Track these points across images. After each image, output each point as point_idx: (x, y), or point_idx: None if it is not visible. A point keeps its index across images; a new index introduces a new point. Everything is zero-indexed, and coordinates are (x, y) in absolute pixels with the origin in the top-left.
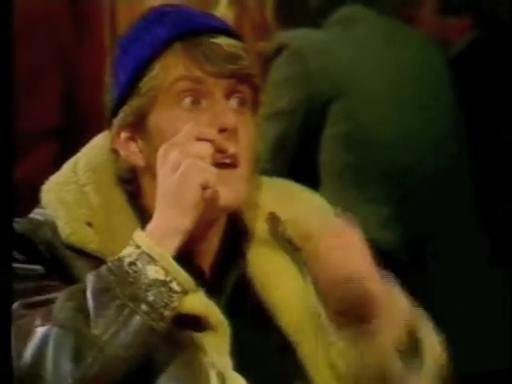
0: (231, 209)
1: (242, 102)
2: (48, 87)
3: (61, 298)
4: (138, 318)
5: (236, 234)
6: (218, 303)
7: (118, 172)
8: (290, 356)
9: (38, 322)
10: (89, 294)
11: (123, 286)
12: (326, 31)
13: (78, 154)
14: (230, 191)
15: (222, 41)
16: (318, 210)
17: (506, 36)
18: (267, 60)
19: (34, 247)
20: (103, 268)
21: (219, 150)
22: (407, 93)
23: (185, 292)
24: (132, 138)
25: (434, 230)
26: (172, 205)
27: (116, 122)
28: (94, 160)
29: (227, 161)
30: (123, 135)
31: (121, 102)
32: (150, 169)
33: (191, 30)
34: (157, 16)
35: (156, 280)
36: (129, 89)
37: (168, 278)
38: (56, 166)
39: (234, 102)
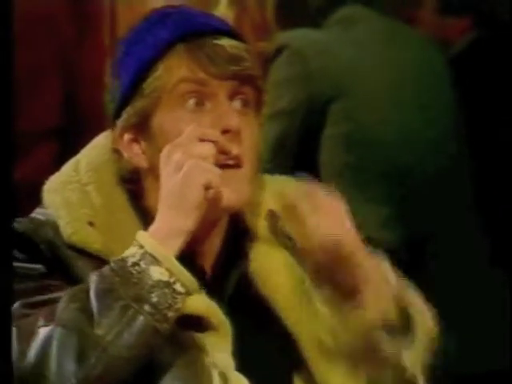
0: (234, 209)
1: (245, 104)
2: (48, 87)
3: (64, 299)
4: (141, 318)
5: (238, 234)
6: (219, 303)
7: (120, 172)
8: (292, 355)
9: (40, 322)
10: (92, 295)
11: (127, 286)
12: (326, 31)
13: (80, 154)
14: (233, 192)
15: (225, 42)
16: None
17: (506, 36)
18: (267, 60)
19: (36, 247)
20: (106, 268)
21: (223, 151)
22: (407, 93)
23: (188, 293)
24: (135, 140)
25: (434, 229)
26: (175, 205)
27: (119, 123)
28: (96, 160)
29: (231, 162)
30: (126, 137)
31: (124, 103)
32: (154, 170)
33: (194, 32)
34: (159, 17)
35: (160, 281)
36: (132, 90)
37: (172, 280)
38: (56, 166)
39: (237, 104)
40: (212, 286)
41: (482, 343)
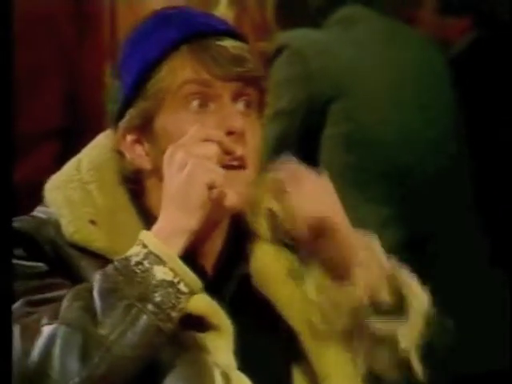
0: (237, 210)
1: (248, 105)
2: (48, 87)
3: (67, 297)
4: (145, 317)
5: (239, 234)
6: (220, 303)
7: (122, 172)
8: (293, 352)
9: (44, 320)
10: (96, 294)
11: (131, 285)
12: (326, 31)
13: (81, 153)
14: (236, 193)
15: (229, 43)
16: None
17: (506, 36)
18: (267, 60)
19: (38, 246)
20: (110, 267)
21: (227, 152)
22: (407, 93)
23: (192, 293)
24: (138, 141)
25: (434, 229)
26: (178, 205)
27: (122, 124)
28: (97, 159)
29: (235, 163)
30: (129, 138)
31: (126, 104)
32: (157, 171)
33: (198, 33)
34: (162, 18)
35: (163, 281)
36: (135, 91)
37: (176, 279)
38: (57, 166)
39: (240, 105)
40: (213, 285)
41: (482, 343)
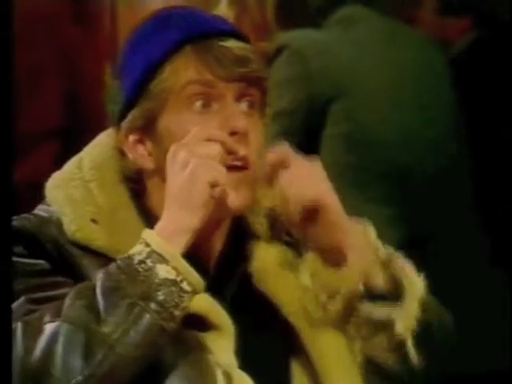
0: (240, 212)
1: (251, 105)
2: (49, 87)
3: (70, 295)
4: (148, 316)
5: (240, 233)
6: (221, 303)
7: (124, 171)
8: (295, 350)
9: (47, 318)
10: (98, 292)
11: (133, 284)
12: (326, 31)
13: (82, 152)
14: (240, 194)
15: (232, 44)
16: None
17: (506, 36)
18: (268, 60)
19: (40, 244)
20: (112, 266)
21: (229, 152)
22: (407, 93)
23: (195, 292)
24: (140, 141)
25: (434, 229)
26: (181, 204)
27: (124, 124)
28: (98, 158)
29: (238, 163)
30: (131, 138)
31: (129, 104)
32: (160, 171)
33: (201, 33)
34: (164, 18)
35: (166, 279)
36: (137, 91)
37: (179, 278)
38: (57, 166)
39: (244, 105)
40: (214, 285)
41: (482, 343)
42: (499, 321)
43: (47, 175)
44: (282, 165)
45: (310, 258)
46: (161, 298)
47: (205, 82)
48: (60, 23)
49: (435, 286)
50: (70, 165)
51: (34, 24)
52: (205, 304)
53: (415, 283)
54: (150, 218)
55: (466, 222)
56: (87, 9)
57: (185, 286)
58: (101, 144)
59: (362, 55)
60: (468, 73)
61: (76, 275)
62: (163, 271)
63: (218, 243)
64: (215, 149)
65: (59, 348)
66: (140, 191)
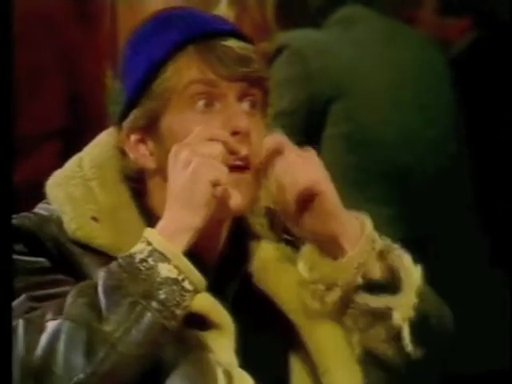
0: (241, 211)
1: (253, 105)
2: (50, 88)
3: (72, 294)
4: (149, 315)
5: (240, 232)
6: (222, 302)
7: (125, 170)
8: (295, 348)
9: (48, 315)
10: (100, 291)
11: (135, 283)
12: (326, 31)
13: (83, 152)
14: (241, 194)
15: (234, 44)
16: None
17: (506, 36)
18: (268, 60)
19: (40, 242)
20: (114, 264)
21: (232, 152)
22: (407, 93)
23: (197, 291)
24: (142, 141)
25: (434, 229)
26: (183, 203)
27: (126, 124)
28: (99, 157)
29: (239, 163)
30: (133, 137)
31: (131, 104)
32: (162, 171)
33: (204, 33)
34: (166, 19)
35: (168, 278)
36: (139, 91)
37: (180, 277)
38: (59, 166)
39: (245, 105)
40: (215, 284)
41: (482, 343)
42: (499, 321)
43: (48, 175)
44: (277, 152)
45: (308, 250)
46: (162, 296)
47: (207, 82)
48: (60, 23)
49: (435, 286)
50: (71, 163)
51: (34, 24)
52: (206, 303)
53: (412, 274)
54: (150, 218)
55: (466, 221)
56: (87, 9)
57: (186, 284)
58: (102, 143)
59: (362, 55)
60: (468, 73)
61: (77, 274)
62: (165, 270)
63: (219, 243)
64: (217, 148)
65: (61, 346)
66: (141, 191)
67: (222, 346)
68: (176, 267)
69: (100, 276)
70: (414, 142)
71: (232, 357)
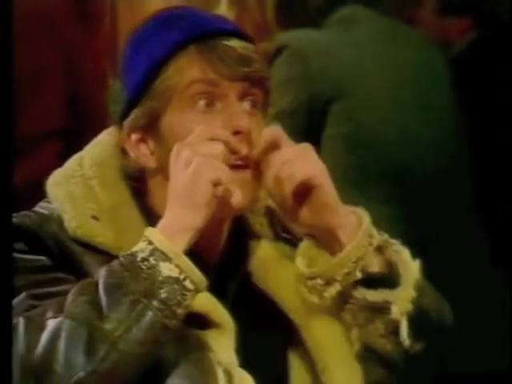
0: (242, 210)
1: (254, 105)
2: (50, 88)
3: (72, 292)
4: (150, 314)
5: (240, 231)
6: (222, 301)
7: (125, 169)
8: (294, 347)
9: (49, 314)
10: (101, 289)
11: (136, 281)
12: (326, 31)
13: (83, 151)
14: (242, 193)
15: (235, 43)
16: None
17: (506, 36)
18: (268, 60)
19: (41, 241)
20: (115, 263)
21: (233, 152)
22: (407, 93)
23: (198, 290)
24: (143, 140)
25: (434, 229)
26: (184, 202)
27: (126, 123)
28: (99, 156)
29: (240, 162)
30: (134, 136)
31: (132, 103)
32: (162, 170)
33: (205, 33)
34: (168, 18)
35: (169, 277)
36: (140, 90)
37: (182, 276)
38: (60, 166)
39: (246, 105)
40: (216, 283)
41: (482, 343)
42: (499, 321)
43: (49, 175)
44: (274, 145)
45: (306, 246)
46: (163, 295)
47: (209, 81)
48: (60, 23)
49: (435, 286)
50: (71, 162)
51: (34, 24)
52: (206, 302)
53: (410, 267)
54: (151, 217)
55: (466, 222)
56: (87, 9)
57: (187, 284)
58: (102, 142)
59: (362, 55)
60: (468, 73)
61: (78, 272)
62: (166, 269)
63: (220, 242)
64: (218, 148)
65: (61, 344)
66: (141, 190)
67: (223, 345)
68: (177, 266)
69: (101, 274)
70: (414, 142)
71: (232, 356)
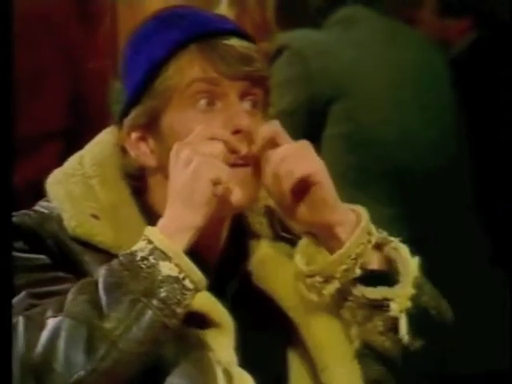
0: (242, 209)
1: (254, 104)
2: (51, 88)
3: (72, 291)
4: (150, 313)
5: (240, 231)
6: (222, 300)
7: (125, 168)
8: (294, 346)
9: (49, 313)
10: (101, 288)
11: (136, 280)
12: (326, 32)
13: (83, 150)
14: (242, 190)
15: (236, 43)
16: None
17: (506, 36)
18: (268, 61)
19: (40, 240)
20: (115, 262)
21: (232, 151)
22: (407, 93)
23: (197, 290)
24: (143, 138)
25: (434, 229)
26: (184, 201)
27: (127, 121)
28: (100, 155)
29: (240, 162)
30: (134, 135)
31: (133, 102)
32: (162, 169)
33: (206, 32)
34: (168, 17)
35: (169, 276)
36: (142, 89)
37: (181, 275)
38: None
39: (247, 104)
40: (216, 283)
41: (482, 343)
42: (499, 321)
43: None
44: (272, 142)
45: (304, 244)
46: (163, 294)
47: (209, 80)
48: (60, 23)
49: (435, 286)
50: (72, 161)
51: (33, 24)
52: (206, 302)
53: (409, 265)
54: (151, 216)
55: (466, 222)
56: (87, 9)
57: (187, 283)
58: (102, 141)
59: (362, 55)
60: (468, 73)
61: (77, 271)
62: (166, 268)
63: (219, 241)
64: (218, 147)
65: (61, 343)
66: (141, 188)
67: (222, 344)
68: (177, 266)
69: (101, 273)
70: (414, 142)
71: (232, 355)
